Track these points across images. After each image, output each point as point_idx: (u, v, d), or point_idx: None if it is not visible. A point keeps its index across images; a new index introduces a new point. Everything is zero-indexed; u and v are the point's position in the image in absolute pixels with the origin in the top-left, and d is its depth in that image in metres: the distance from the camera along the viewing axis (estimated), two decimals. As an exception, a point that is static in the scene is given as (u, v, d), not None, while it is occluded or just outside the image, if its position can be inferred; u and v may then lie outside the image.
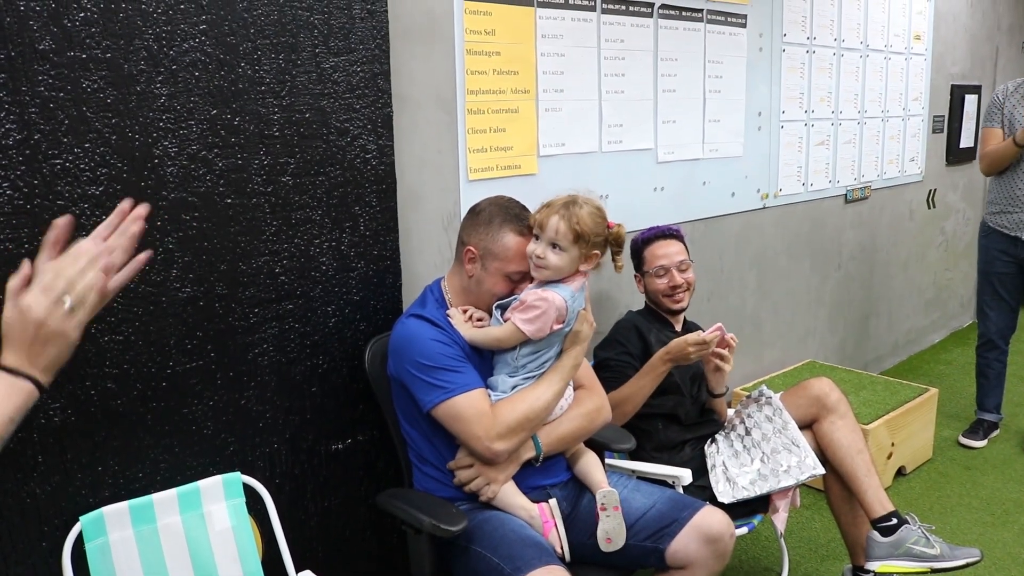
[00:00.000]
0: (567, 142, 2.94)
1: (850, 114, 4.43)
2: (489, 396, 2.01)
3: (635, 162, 3.23)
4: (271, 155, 2.09)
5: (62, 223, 1.20)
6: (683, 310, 2.77)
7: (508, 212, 2.09)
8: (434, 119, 2.54)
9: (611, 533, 2.05)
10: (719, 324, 2.56)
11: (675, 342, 2.53)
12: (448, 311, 2.09)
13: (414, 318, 2.06)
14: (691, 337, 2.50)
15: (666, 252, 2.74)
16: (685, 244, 2.79)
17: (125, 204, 1.27)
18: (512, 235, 2.06)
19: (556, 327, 2.02)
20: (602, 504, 2.06)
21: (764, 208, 3.95)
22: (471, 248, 2.08)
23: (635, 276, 2.83)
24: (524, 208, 2.12)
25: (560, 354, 2.09)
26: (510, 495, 2.05)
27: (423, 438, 2.10)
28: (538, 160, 2.85)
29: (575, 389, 2.20)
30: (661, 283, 2.72)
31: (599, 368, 2.66)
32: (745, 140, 3.74)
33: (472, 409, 1.95)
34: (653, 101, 3.25)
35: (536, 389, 2.03)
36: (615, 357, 2.65)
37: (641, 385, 2.55)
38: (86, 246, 1.21)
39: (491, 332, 2.04)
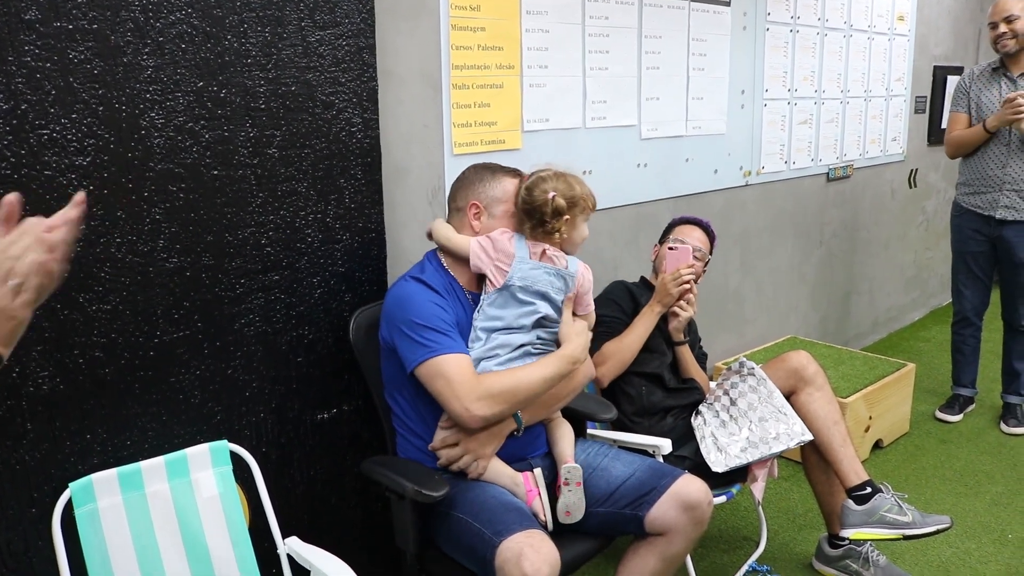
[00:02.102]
0: (551, 118, 2.96)
1: (833, 93, 4.46)
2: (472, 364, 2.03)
3: (619, 138, 3.25)
4: (257, 127, 2.10)
5: (12, 199, 1.16)
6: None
7: (492, 166, 2.19)
8: (419, 94, 2.55)
9: (570, 507, 2.09)
10: (690, 250, 2.73)
11: (658, 285, 2.71)
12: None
13: (414, 280, 2.09)
14: (667, 276, 2.69)
15: (693, 235, 2.86)
16: (712, 244, 2.90)
17: (79, 195, 1.24)
18: (509, 179, 2.15)
19: (493, 267, 2.05)
20: (565, 479, 2.09)
21: (747, 185, 3.98)
22: (476, 202, 2.13)
23: (655, 246, 2.94)
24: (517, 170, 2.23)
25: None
26: (495, 466, 2.08)
27: (410, 406, 2.12)
28: (522, 135, 2.86)
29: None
30: None
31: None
32: (728, 118, 3.77)
33: (456, 369, 1.96)
34: (637, 78, 3.27)
35: (529, 367, 2.04)
36: (608, 314, 2.71)
37: (637, 334, 2.65)
38: (30, 225, 1.16)
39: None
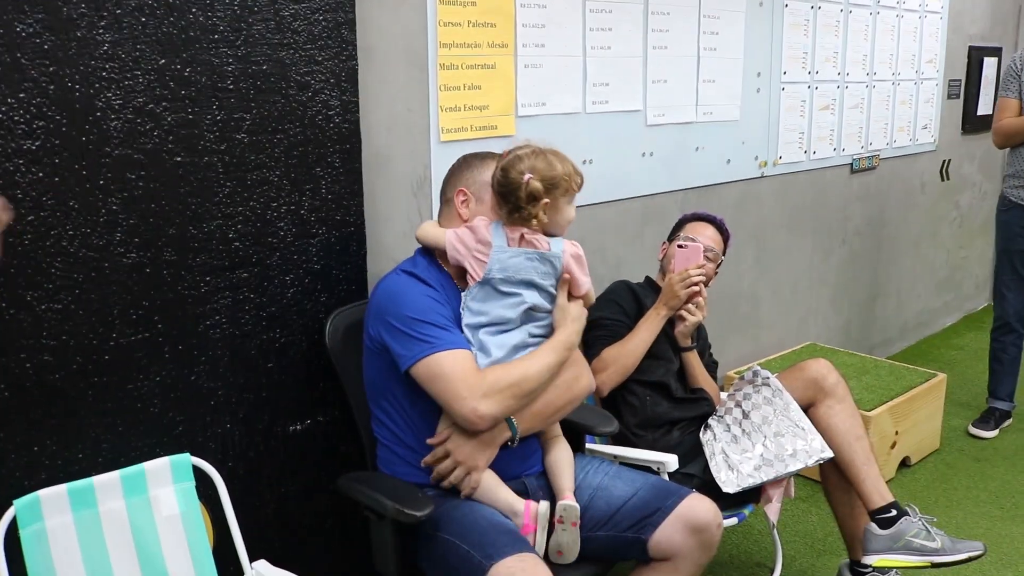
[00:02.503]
0: (548, 102, 2.97)
1: (858, 76, 4.48)
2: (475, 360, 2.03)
3: (622, 125, 3.26)
4: (225, 110, 2.11)
5: None
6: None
7: (482, 153, 2.22)
8: (403, 74, 2.56)
9: (563, 547, 2.09)
10: (701, 249, 2.75)
11: (664, 286, 2.73)
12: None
13: (405, 274, 2.11)
14: (675, 277, 2.71)
15: (705, 233, 2.88)
16: (726, 244, 2.93)
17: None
18: (493, 160, 2.18)
19: (472, 259, 2.07)
20: (560, 517, 2.09)
21: (763, 177, 4.00)
22: (462, 189, 2.16)
23: (663, 244, 2.96)
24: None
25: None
26: (492, 487, 2.08)
27: (398, 413, 2.13)
28: (516, 121, 2.87)
29: None
30: None
31: (591, 327, 2.73)
32: (743, 103, 3.78)
33: (458, 366, 1.97)
34: (642, 59, 3.28)
35: (530, 358, 2.06)
36: (609, 316, 2.73)
37: (641, 338, 2.67)
38: None
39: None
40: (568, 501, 2.11)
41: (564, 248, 2.11)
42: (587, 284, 2.16)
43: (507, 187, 2.05)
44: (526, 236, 2.08)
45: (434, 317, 2.02)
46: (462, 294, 2.10)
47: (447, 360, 1.97)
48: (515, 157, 2.07)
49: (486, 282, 2.06)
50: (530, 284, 2.07)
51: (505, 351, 2.04)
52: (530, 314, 2.09)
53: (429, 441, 2.09)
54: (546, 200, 2.06)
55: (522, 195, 2.04)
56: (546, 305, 2.11)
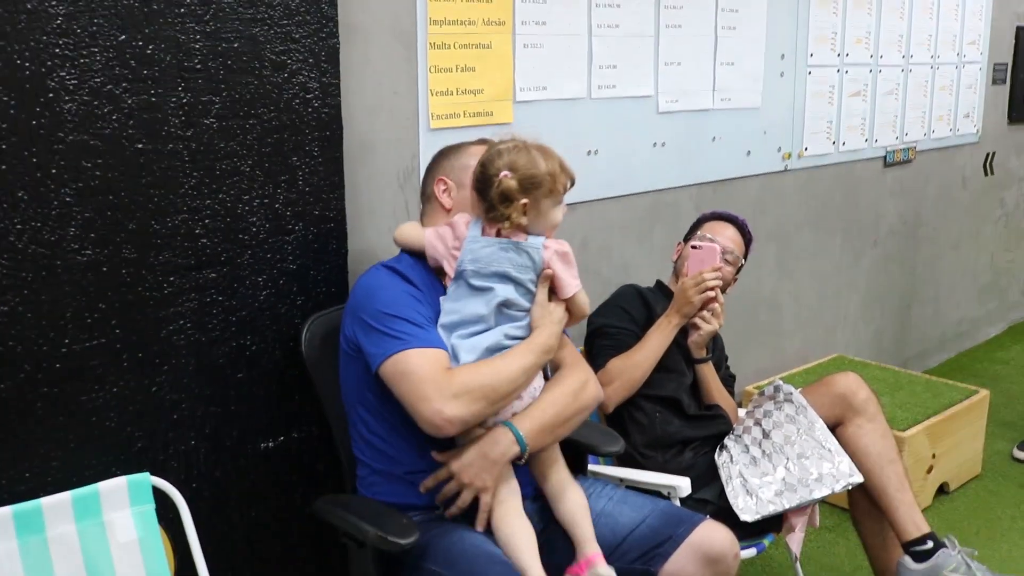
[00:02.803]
0: (549, 86, 2.98)
1: (893, 59, 4.49)
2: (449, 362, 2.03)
3: (631, 112, 3.27)
4: (191, 92, 2.11)
5: None
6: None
7: (456, 144, 2.26)
8: (389, 54, 2.56)
9: None
10: (717, 250, 2.75)
11: (677, 291, 2.74)
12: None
13: (386, 268, 2.13)
14: (688, 281, 2.71)
15: (725, 234, 2.89)
16: (747, 247, 2.95)
17: None
18: (477, 147, 2.20)
19: (450, 257, 2.08)
20: None
21: (786, 171, 4.01)
22: (443, 178, 2.20)
23: (678, 244, 2.98)
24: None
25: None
26: (516, 545, 2.03)
27: (380, 426, 2.12)
28: (514, 106, 2.88)
29: (553, 370, 2.23)
30: None
31: (595, 336, 2.75)
32: (764, 88, 3.79)
33: (427, 365, 1.97)
34: (654, 38, 3.29)
35: (504, 357, 2.05)
36: (615, 324, 2.74)
37: (650, 349, 2.68)
38: None
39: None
40: (601, 567, 2.07)
41: (545, 242, 2.09)
42: (575, 286, 2.13)
43: (483, 184, 2.06)
44: (503, 231, 2.07)
45: (409, 313, 2.03)
46: (441, 298, 2.12)
47: (416, 358, 1.98)
48: (495, 152, 2.07)
49: (459, 276, 2.08)
50: (504, 277, 2.07)
51: (477, 354, 2.04)
52: (505, 312, 2.08)
53: (435, 455, 2.08)
54: (524, 200, 2.03)
55: (494, 194, 2.03)
56: (523, 302, 2.09)
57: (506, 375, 2.03)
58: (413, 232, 2.18)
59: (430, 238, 2.12)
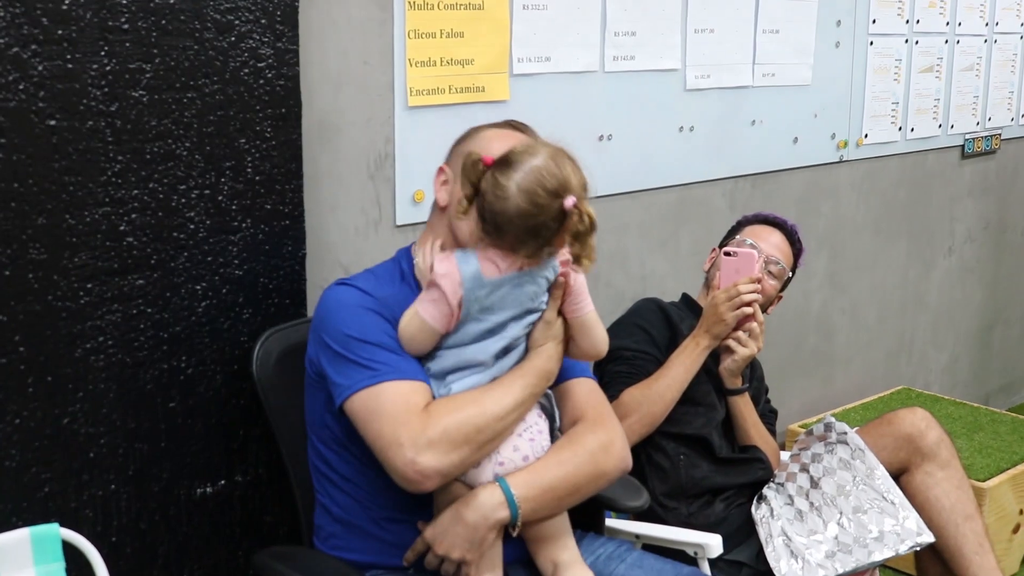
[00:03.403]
0: (553, 55, 2.99)
1: (973, 27, 4.51)
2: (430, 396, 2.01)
3: (653, 88, 3.29)
4: (116, 58, 2.12)
5: None
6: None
7: (488, 124, 2.23)
8: (359, 14, 2.57)
9: None
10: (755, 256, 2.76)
11: (706, 307, 2.73)
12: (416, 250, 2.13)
13: (346, 285, 2.11)
14: (720, 294, 2.70)
15: (769, 240, 2.90)
16: (796, 259, 2.96)
17: None
18: (494, 131, 2.18)
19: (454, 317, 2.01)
20: None
21: (841, 162, 4.02)
22: (443, 167, 2.17)
23: (712, 250, 2.97)
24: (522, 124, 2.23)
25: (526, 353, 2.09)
26: None
27: (348, 466, 2.11)
28: (510, 80, 2.89)
29: (574, 422, 2.16)
30: None
31: (608, 360, 2.73)
32: (816, 61, 3.81)
33: (401, 403, 1.95)
34: (682, 0, 3.31)
35: (490, 390, 2.01)
36: (633, 346, 2.74)
37: (673, 376, 2.67)
38: None
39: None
40: None
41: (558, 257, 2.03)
42: (586, 307, 2.08)
43: (534, 219, 1.92)
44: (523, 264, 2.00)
45: (383, 339, 2.01)
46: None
47: (388, 393, 1.96)
48: (544, 170, 1.92)
49: (461, 326, 2.02)
50: (520, 315, 2.03)
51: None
52: (507, 351, 2.05)
53: (420, 525, 2.06)
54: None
55: (569, 227, 1.93)
56: (524, 337, 2.07)
57: (494, 412, 1.98)
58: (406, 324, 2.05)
59: (438, 321, 1.99)
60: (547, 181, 1.90)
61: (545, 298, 2.04)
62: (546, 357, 2.06)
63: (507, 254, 1.96)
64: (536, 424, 2.08)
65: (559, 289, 2.04)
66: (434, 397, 2.00)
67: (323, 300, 2.12)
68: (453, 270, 1.97)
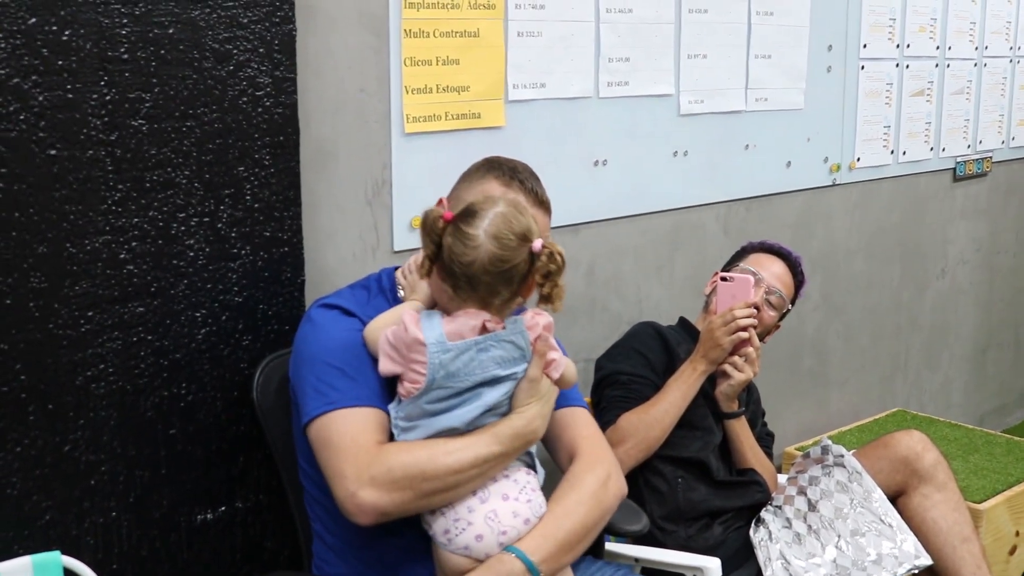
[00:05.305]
0: (548, 82, 3.00)
1: (963, 51, 4.53)
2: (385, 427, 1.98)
3: (647, 114, 3.30)
4: (116, 88, 2.13)
5: None
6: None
7: (498, 162, 2.22)
8: (356, 43, 2.59)
9: None
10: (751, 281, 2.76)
11: (703, 332, 2.74)
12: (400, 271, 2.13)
13: (324, 308, 2.13)
14: (716, 319, 2.71)
15: (771, 270, 2.93)
16: (797, 290, 2.99)
17: None
18: (495, 183, 2.16)
19: (410, 371, 1.96)
20: None
21: (834, 185, 4.04)
22: (443, 199, 2.19)
23: (714, 274, 2.96)
24: (526, 168, 2.23)
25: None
26: None
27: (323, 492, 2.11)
28: (506, 107, 2.90)
29: (570, 456, 2.15)
30: None
31: (604, 384, 2.75)
32: (808, 86, 3.82)
33: (349, 434, 1.94)
34: (675, 26, 3.32)
35: (449, 442, 1.95)
36: (628, 370, 2.75)
37: (671, 401, 2.68)
38: None
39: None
40: None
41: (526, 316, 2.01)
42: (564, 360, 2.07)
43: (506, 263, 1.91)
44: (487, 324, 1.97)
45: (345, 360, 2.02)
46: (388, 407, 2.02)
47: (339, 423, 1.96)
48: (499, 216, 1.92)
49: (425, 392, 1.96)
50: (490, 382, 1.98)
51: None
52: (488, 415, 2.00)
53: None
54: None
55: (536, 270, 1.92)
56: (507, 401, 2.02)
57: (447, 463, 1.92)
58: (372, 332, 2.05)
59: (383, 346, 1.99)
60: (514, 225, 1.90)
61: (523, 366, 1.99)
62: (527, 419, 2.00)
63: (477, 311, 1.94)
64: (529, 484, 2.03)
65: (544, 344, 2.00)
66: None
67: (302, 325, 2.15)
68: (418, 334, 1.93)
